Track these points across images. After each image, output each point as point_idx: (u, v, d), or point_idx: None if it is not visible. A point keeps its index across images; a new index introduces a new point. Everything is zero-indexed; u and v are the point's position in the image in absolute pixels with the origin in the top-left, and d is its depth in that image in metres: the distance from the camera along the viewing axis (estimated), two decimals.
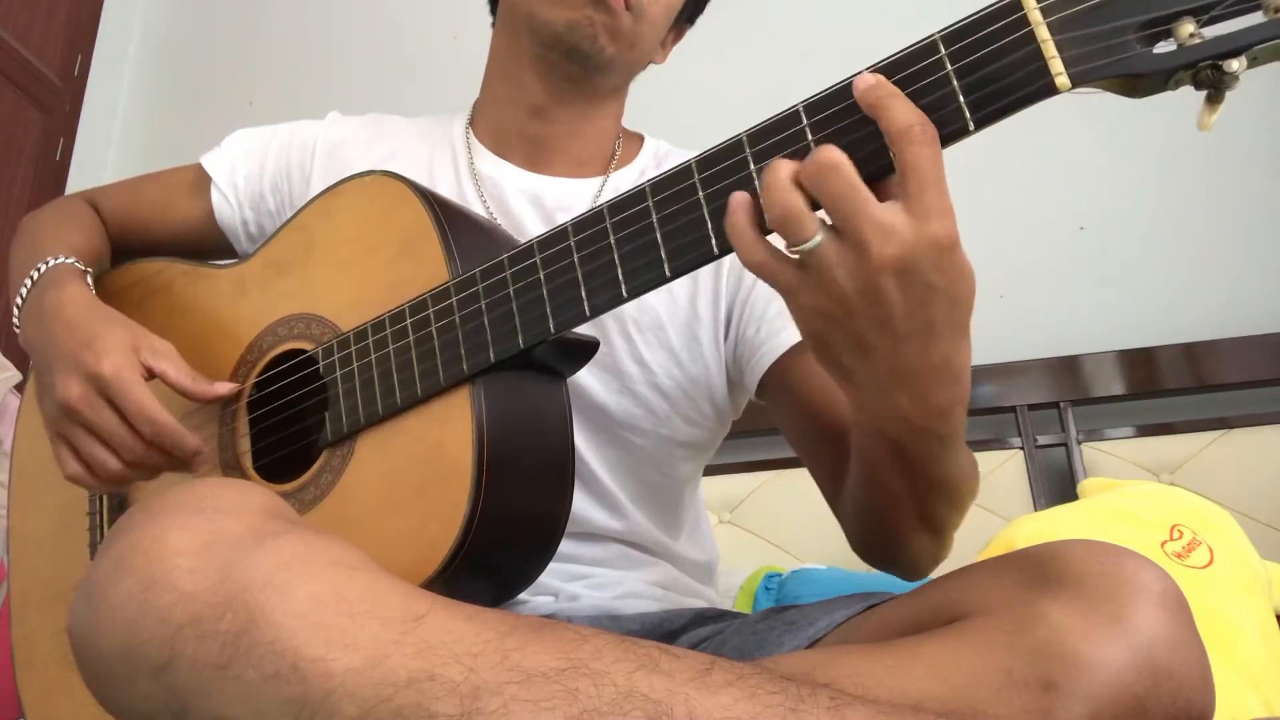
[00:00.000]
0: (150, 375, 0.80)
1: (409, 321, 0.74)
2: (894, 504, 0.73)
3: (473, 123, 1.04)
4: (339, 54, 2.51)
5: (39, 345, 0.84)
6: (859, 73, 0.58)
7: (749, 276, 0.94)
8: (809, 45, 2.12)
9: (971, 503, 0.76)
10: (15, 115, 2.28)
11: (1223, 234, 1.83)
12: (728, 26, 2.01)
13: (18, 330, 0.90)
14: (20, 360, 1.84)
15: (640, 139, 1.07)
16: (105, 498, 0.91)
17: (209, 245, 1.05)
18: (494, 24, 1.05)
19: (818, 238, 0.55)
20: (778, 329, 0.91)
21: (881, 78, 0.56)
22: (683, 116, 1.77)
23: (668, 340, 0.93)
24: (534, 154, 1.00)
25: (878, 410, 0.63)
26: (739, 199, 0.59)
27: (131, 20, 2.70)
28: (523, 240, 0.73)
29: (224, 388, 0.81)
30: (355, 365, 0.76)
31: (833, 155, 0.55)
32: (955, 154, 0.57)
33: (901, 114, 0.54)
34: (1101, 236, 1.89)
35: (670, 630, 0.87)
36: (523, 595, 0.86)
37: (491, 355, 0.69)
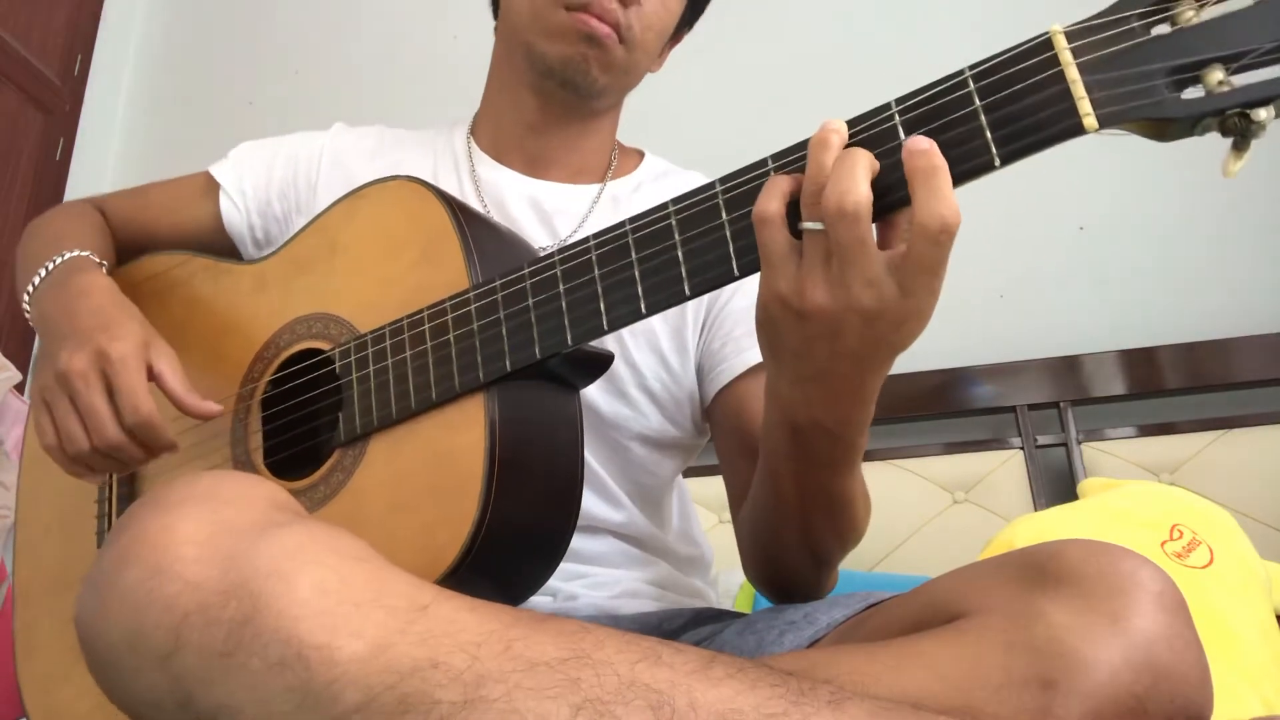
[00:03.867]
0: (150, 375, 0.80)
1: (427, 327, 0.74)
2: (783, 509, 0.76)
3: (474, 131, 1.07)
4: (339, 54, 2.51)
5: (54, 319, 0.86)
6: (888, 104, 0.59)
7: (726, 292, 0.96)
8: (810, 55, 2.12)
9: (855, 540, 0.80)
10: (15, 115, 2.29)
11: (1223, 234, 1.84)
12: (729, 34, 2.02)
13: (28, 311, 0.91)
14: (21, 360, 1.84)
15: (640, 155, 1.09)
16: (114, 488, 0.92)
17: (215, 252, 1.06)
18: (496, 28, 1.06)
19: (819, 223, 0.58)
20: (743, 348, 0.93)
21: (934, 146, 0.56)
22: (684, 125, 1.78)
23: (658, 344, 0.95)
24: (532, 162, 1.02)
25: (790, 396, 0.67)
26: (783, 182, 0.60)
27: (131, 20, 2.70)
28: (534, 244, 0.73)
29: (213, 407, 0.81)
30: (371, 367, 0.76)
31: (855, 200, 0.56)
32: None
33: (933, 205, 0.55)
34: (1101, 236, 1.89)
35: (669, 630, 0.88)
36: None
37: (508, 364, 0.70)
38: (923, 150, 0.56)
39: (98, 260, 0.93)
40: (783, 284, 0.60)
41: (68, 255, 0.92)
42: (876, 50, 2.04)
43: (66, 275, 0.89)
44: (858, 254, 0.57)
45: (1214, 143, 0.55)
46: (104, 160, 2.55)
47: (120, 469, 0.82)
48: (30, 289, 0.92)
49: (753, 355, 0.92)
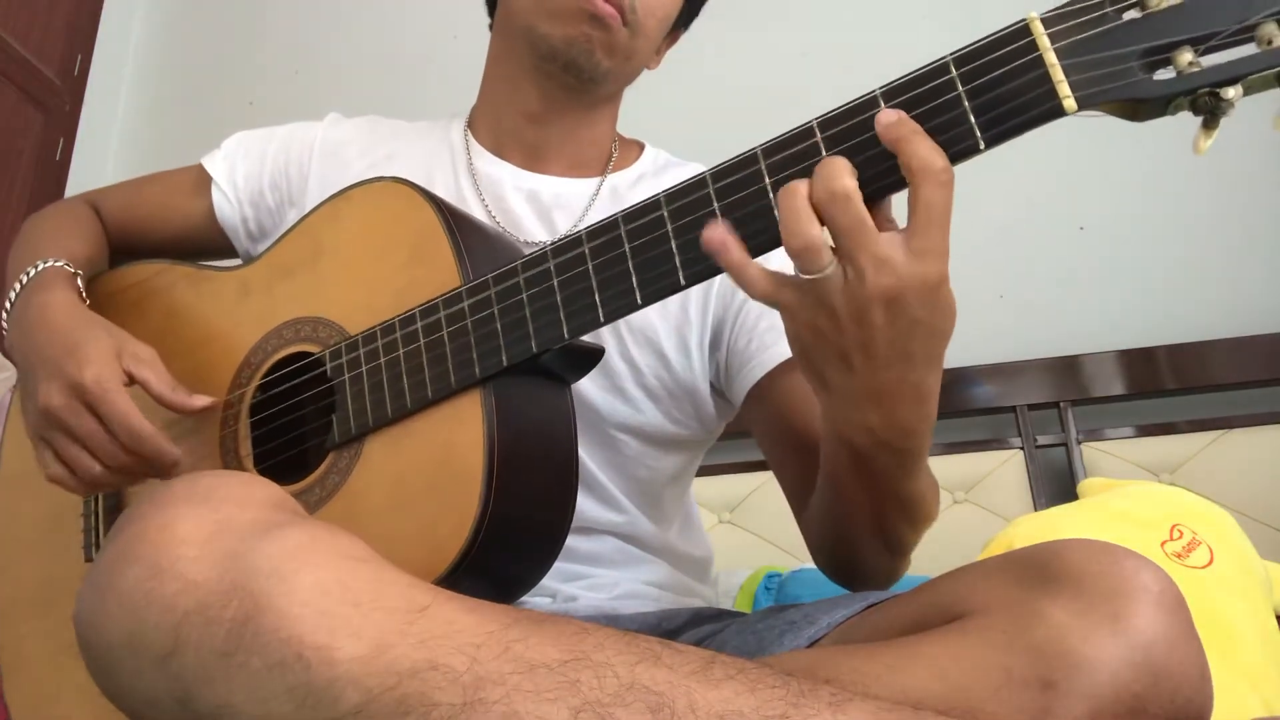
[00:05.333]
0: (131, 381, 0.80)
1: (419, 325, 0.74)
2: (853, 514, 0.77)
3: (471, 125, 1.06)
4: (339, 53, 2.51)
5: (22, 350, 0.85)
6: (873, 92, 0.60)
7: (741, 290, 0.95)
8: (807, 45, 2.12)
9: (928, 526, 0.80)
10: (15, 115, 2.28)
11: (1222, 234, 1.84)
12: (726, 27, 2.02)
13: (4, 333, 0.91)
14: None
15: (640, 146, 1.08)
16: (100, 500, 0.91)
17: (209, 245, 1.06)
18: (491, 26, 1.06)
19: (830, 269, 0.58)
20: (768, 343, 0.93)
21: (903, 114, 0.58)
22: (683, 119, 1.77)
23: (657, 342, 0.94)
24: (531, 155, 1.01)
25: (848, 421, 0.66)
26: (717, 237, 0.61)
27: (131, 20, 2.70)
28: (528, 248, 0.73)
29: (202, 401, 0.81)
30: (364, 368, 0.76)
31: (844, 184, 0.57)
32: None
33: (926, 152, 0.57)
34: (1101, 236, 1.89)
35: (669, 630, 0.87)
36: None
37: (504, 359, 0.70)
38: (892, 123, 0.57)
39: (70, 269, 0.92)
40: (807, 315, 0.61)
41: (40, 267, 0.91)
42: (869, 41, 2.04)
43: (29, 297, 0.88)
44: (860, 234, 0.57)
45: (1194, 149, 0.56)
46: (104, 160, 2.55)
47: (136, 481, 0.83)
48: (6, 312, 0.91)
49: (781, 350, 0.92)
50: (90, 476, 0.80)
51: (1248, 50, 0.53)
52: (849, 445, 0.68)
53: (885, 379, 0.62)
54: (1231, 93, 0.53)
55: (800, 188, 0.59)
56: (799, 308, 0.61)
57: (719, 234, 0.61)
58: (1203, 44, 0.54)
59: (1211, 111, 0.54)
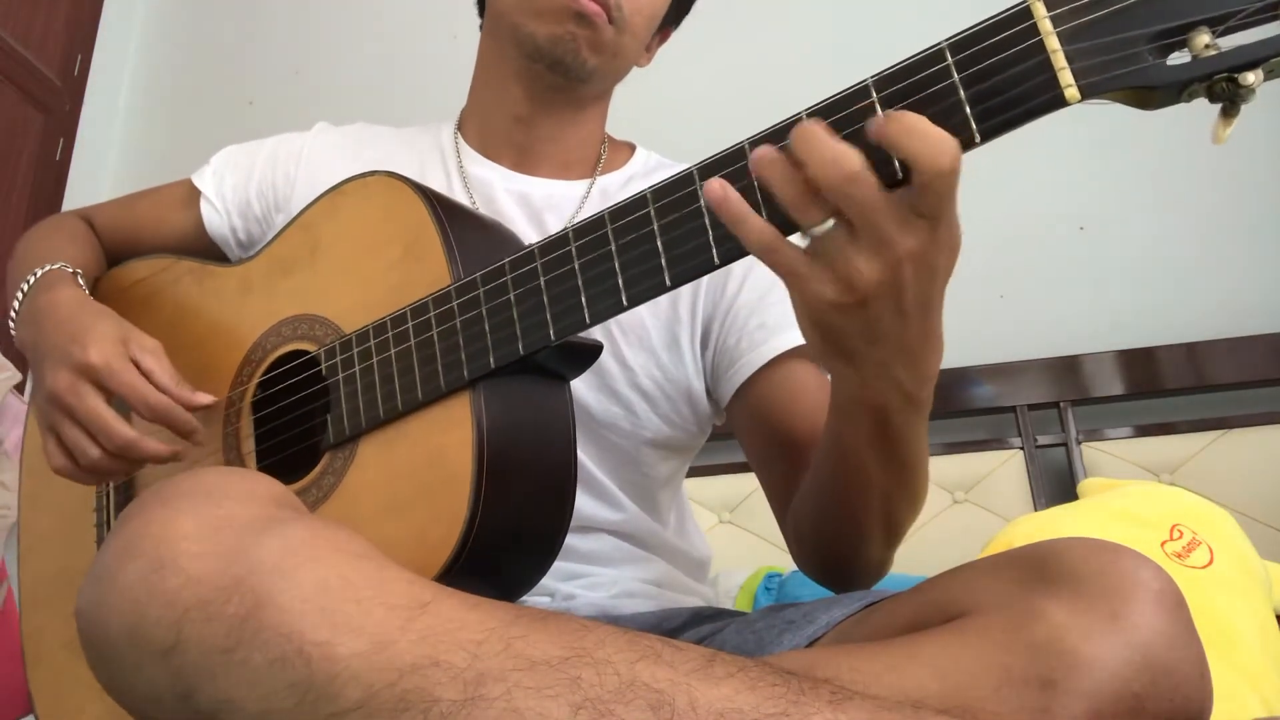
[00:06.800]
0: (137, 369, 0.81)
1: (410, 325, 0.74)
2: (862, 498, 0.75)
3: (461, 127, 1.06)
4: (338, 54, 2.51)
5: (32, 345, 0.86)
6: (864, 82, 0.57)
7: (732, 286, 0.95)
8: (805, 46, 2.12)
9: (922, 504, 0.78)
10: (15, 115, 2.28)
11: (1222, 234, 1.84)
12: (722, 28, 2.02)
13: (14, 334, 0.92)
14: (20, 361, 1.84)
15: (631, 148, 1.08)
16: (111, 493, 0.92)
17: (202, 256, 1.06)
18: (482, 27, 1.06)
19: (829, 221, 0.56)
20: (758, 341, 0.92)
21: (891, 114, 0.53)
22: (674, 122, 1.77)
23: (649, 341, 0.94)
24: (521, 157, 1.02)
25: (877, 387, 0.64)
26: (717, 188, 0.57)
27: (131, 20, 2.70)
28: (522, 239, 0.73)
29: (204, 398, 0.82)
30: (357, 368, 0.76)
31: (851, 162, 0.53)
32: None
33: (932, 147, 0.52)
34: (1101, 236, 1.89)
35: (668, 629, 0.87)
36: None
37: (492, 360, 0.69)
38: (887, 118, 0.53)
39: (71, 270, 0.93)
40: (824, 289, 0.57)
41: (39, 273, 0.92)
42: (869, 42, 2.04)
43: (35, 296, 0.90)
44: (878, 204, 0.54)
45: (1213, 138, 0.53)
46: (104, 160, 2.55)
47: (137, 467, 0.83)
48: (14, 315, 0.92)
49: (770, 348, 0.91)
50: (89, 461, 0.80)
51: (1270, 30, 0.49)
52: (875, 413, 0.66)
53: (912, 332, 0.60)
54: (1251, 78, 0.49)
55: (772, 153, 0.56)
56: (809, 277, 0.57)
57: (718, 186, 0.57)
58: (1221, 24, 0.49)
59: (1230, 98, 0.50)
